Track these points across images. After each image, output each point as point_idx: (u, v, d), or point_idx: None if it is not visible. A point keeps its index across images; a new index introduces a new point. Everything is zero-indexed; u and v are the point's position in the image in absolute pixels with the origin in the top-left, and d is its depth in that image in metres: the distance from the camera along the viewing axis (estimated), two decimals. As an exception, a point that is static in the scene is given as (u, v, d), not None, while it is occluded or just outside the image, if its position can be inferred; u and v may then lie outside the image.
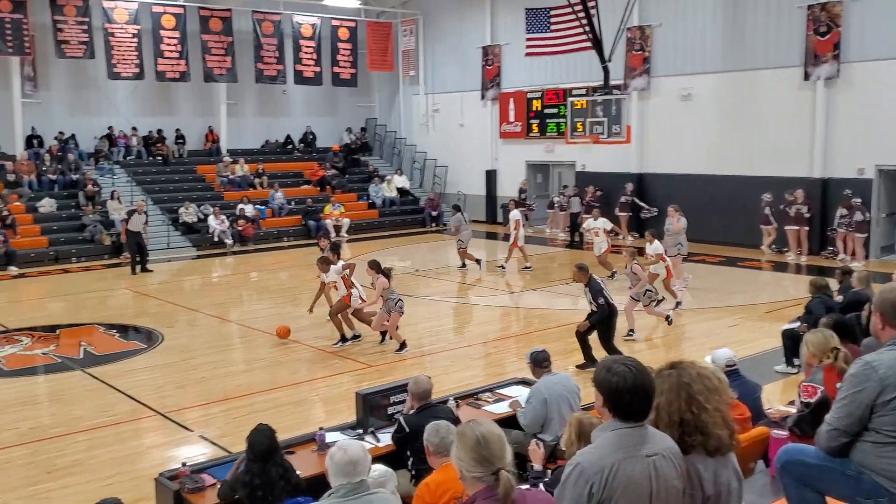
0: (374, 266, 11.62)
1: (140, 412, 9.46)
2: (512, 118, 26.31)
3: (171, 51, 24.77)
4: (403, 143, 30.25)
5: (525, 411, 6.74)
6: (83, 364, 11.42)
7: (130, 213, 19.50)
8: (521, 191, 25.00)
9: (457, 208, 18.90)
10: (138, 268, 19.00)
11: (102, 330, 13.50)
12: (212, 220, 23.04)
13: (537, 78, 25.25)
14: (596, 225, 17.30)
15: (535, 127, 25.69)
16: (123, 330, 13.52)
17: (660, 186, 22.10)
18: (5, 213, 20.71)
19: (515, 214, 18.32)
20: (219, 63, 25.72)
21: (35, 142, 24.13)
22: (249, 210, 24.01)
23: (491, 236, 24.36)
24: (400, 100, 30.42)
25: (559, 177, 26.28)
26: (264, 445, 5.17)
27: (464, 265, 18.53)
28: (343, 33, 28.14)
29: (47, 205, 22.22)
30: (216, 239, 22.74)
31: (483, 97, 27.08)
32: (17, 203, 21.79)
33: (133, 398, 9.89)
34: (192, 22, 25.05)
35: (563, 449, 4.76)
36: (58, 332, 13.32)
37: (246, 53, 26.28)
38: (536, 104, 25.51)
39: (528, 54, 23.89)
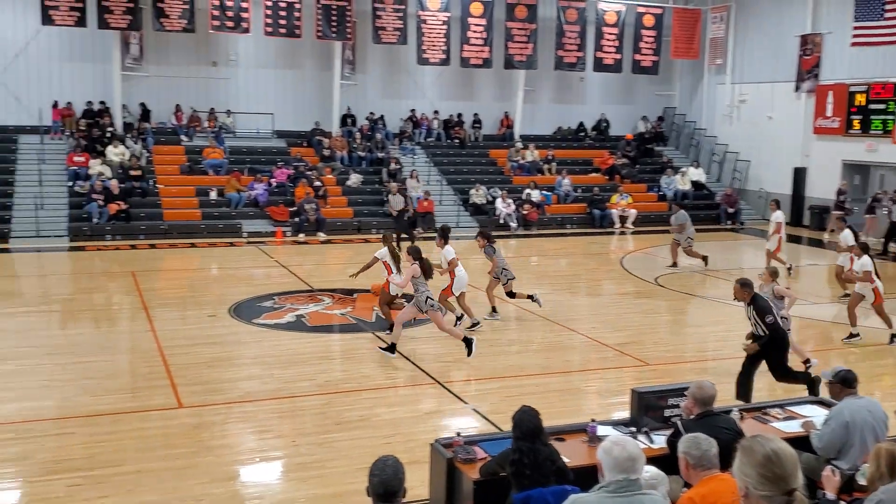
0: (413, 253, 10.82)
1: (420, 378, 9.91)
2: (829, 112, 24.02)
3: (477, 38, 25.71)
4: (703, 135, 28.90)
5: (821, 433, 6.04)
6: (374, 327, 12.21)
7: (396, 192, 21.63)
8: (840, 192, 22.76)
9: (679, 206, 18.55)
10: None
11: (393, 298, 14.34)
12: (499, 203, 23.63)
13: (863, 70, 22.85)
14: (842, 238, 15.15)
15: (856, 123, 23.28)
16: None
17: None
18: (318, 183, 22.82)
19: (778, 216, 16.79)
20: (520, 50, 26.26)
21: (349, 121, 26.31)
22: (536, 195, 24.29)
23: (794, 239, 22.36)
24: (703, 89, 29.07)
25: (881, 179, 23.58)
26: (532, 424, 5.13)
27: (675, 264, 17.69)
28: (648, 20, 27.48)
29: (355, 179, 24.14)
30: (501, 221, 23.27)
31: (797, 89, 25.03)
32: (330, 175, 23.93)
33: (416, 364, 10.39)
34: (498, 10, 25.82)
35: (863, 482, 4.19)
36: (355, 295, 14.34)
37: (546, 40, 26.55)
38: (860, 98, 23.07)
39: (854, 44, 21.84)
